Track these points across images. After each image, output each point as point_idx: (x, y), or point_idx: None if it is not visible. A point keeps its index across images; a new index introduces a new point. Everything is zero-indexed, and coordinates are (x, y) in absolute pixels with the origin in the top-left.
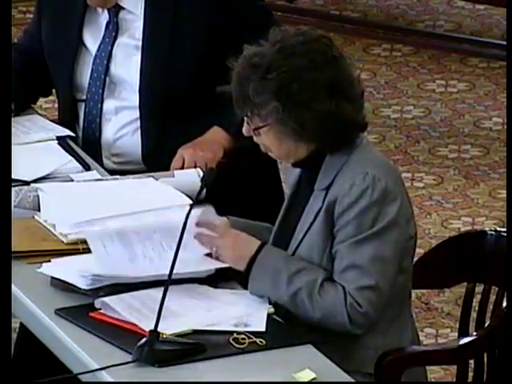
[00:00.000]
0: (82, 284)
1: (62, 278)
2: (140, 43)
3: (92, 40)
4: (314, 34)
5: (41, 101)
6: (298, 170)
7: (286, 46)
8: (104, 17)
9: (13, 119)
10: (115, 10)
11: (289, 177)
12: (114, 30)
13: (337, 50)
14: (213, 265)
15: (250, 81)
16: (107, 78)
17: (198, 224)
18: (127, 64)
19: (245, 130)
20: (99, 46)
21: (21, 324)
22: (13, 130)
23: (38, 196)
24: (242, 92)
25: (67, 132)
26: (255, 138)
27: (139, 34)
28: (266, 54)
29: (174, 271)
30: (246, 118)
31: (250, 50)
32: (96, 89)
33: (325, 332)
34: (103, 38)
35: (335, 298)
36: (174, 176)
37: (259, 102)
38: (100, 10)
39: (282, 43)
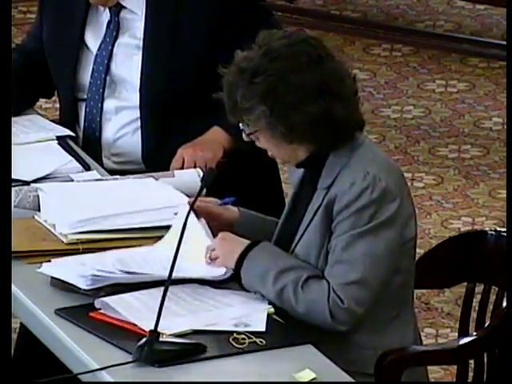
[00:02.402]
0: (82, 284)
1: (62, 278)
2: (141, 43)
3: (93, 39)
4: (299, 35)
5: (41, 101)
6: (301, 170)
7: (271, 50)
8: (105, 16)
9: (13, 119)
10: (116, 9)
11: (292, 176)
12: (114, 30)
13: (324, 49)
14: (213, 273)
15: (238, 86)
16: (108, 78)
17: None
18: (128, 63)
19: (244, 136)
20: (100, 45)
21: (21, 324)
22: (13, 129)
23: (37, 196)
24: (231, 98)
25: (67, 132)
26: (257, 143)
27: (140, 33)
28: (251, 59)
29: (174, 274)
30: (241, 125)
31: (239, 55)
32: (96, 88)
33: (325, 332)
34: (104, 37)
35: (318, 294)
36: (173, 176)
37: (247, 107)
38: (101, 9)
39: (267, 47)
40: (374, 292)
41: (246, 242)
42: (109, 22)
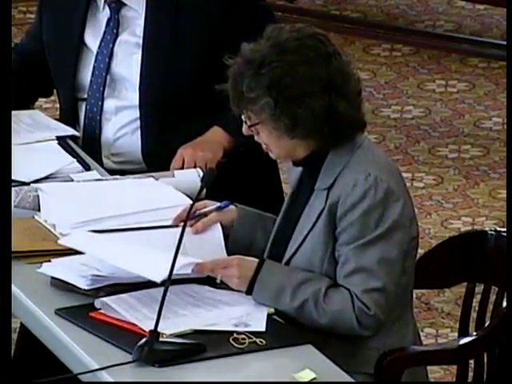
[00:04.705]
0: (82, 284)
1: (62, 278)
2: (141, 40)
3: (93, 38)
4: (308, 30)
5: (41, 101)
6: (299, 169)
7: (280, 42)
8: (104, 14)
9: (15, 117)
10: (117, 7)
11: (290, 175)
12: (115, 27)
13: (332, 46)
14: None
15: (244, 77)
16: (108, 76)
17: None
18: (128, 62)
19: (244, 129)
20: (100, 43)
21: (21, 324)
22: (15, 127)
23: (38, 196)
24: (236, 88)
25: (71, 131)
26: (256, 137)
27: (140, 31)
28: (259, 50)
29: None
30: (243, 117)
31: (246, 46)
32: (97, 86)
33: (327, 332)
34: (104, 35)
35: (342, 303)
36: (173, 176)
37: (252, 97)
38: (101, 7)
39: (275, 39)
40: (392, 296)
41: (254, 264)
42: (108, 20)
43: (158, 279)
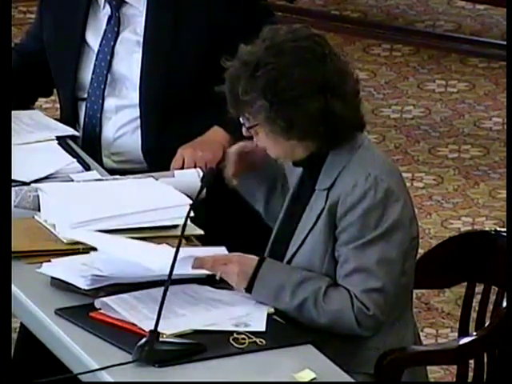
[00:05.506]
0: (82, 284)
1: (62, 278)
2: (141, 39)
3: (94, 37)
4: (304, 31)
5: (41, 101)
6: (299, 170)
7: (275, 44)
8: (105, 12)
9: (15, 117)
10: (117, 5)
11: (291, 176)
12: (115, 25)
13: (328, 47)
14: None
15: (239, 79)
16: (109, 75)
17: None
18: (128, 60)
19: (243, 130)
20: (101, 42)
21: (21, 324)
22: (15, 127)
23: (37, 196)
24: (233, 91)
25: (72, 131)
26: (255, 139)
27: (141, 29)
28: (255, 52)
29: (174, 272)
30: (241, 119)
31: (244, 48)
32: (98, 85)
33: (327, 332)
34: (105, 33)
35: (341, 303)
36: (173, 176)
37: (248, 100)
38: (102, 5)
39: (271, 41)
40: (391, 297)
41: (254, 262)
42: (109, 18)
43: (156, 268)
